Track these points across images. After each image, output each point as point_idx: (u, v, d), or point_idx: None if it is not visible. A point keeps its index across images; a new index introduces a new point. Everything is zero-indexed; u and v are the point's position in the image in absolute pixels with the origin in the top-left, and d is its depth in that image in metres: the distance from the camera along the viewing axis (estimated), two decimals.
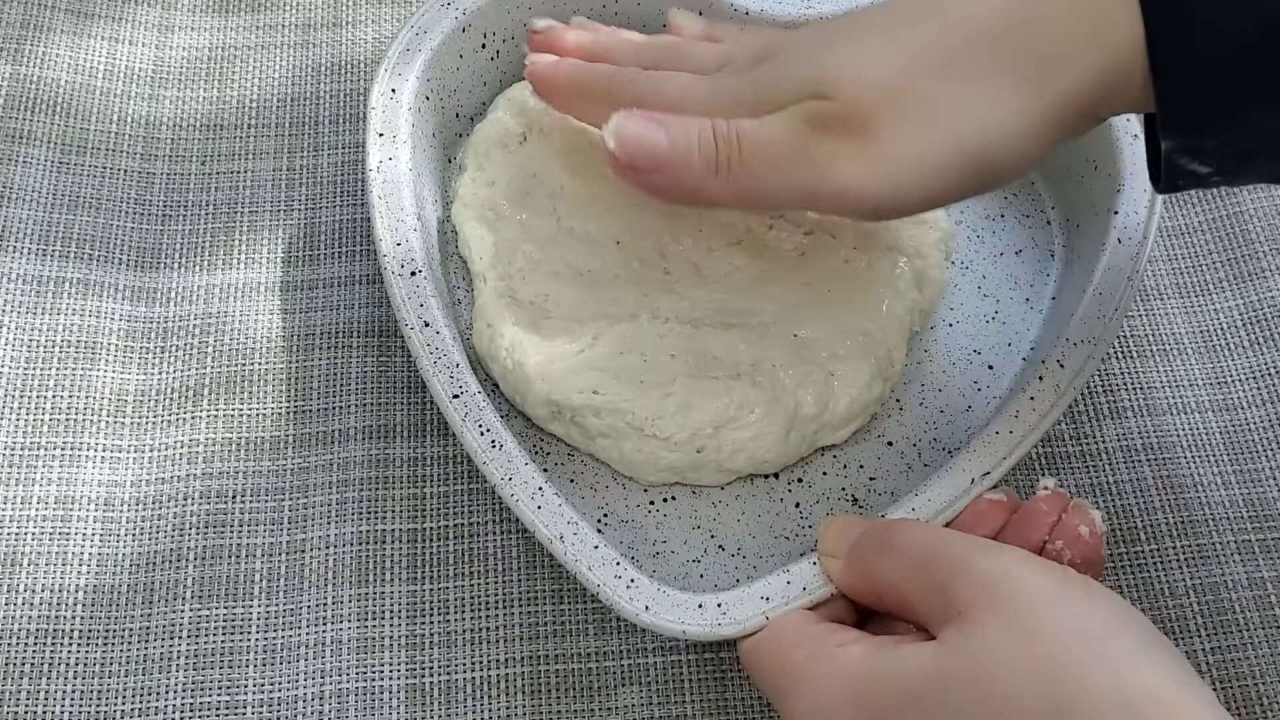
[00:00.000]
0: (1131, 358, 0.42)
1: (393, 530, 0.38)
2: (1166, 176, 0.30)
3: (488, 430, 0.34)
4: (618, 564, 0.33)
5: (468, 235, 0.41)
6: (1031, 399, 0.35)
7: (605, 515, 0.38)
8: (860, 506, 0.38)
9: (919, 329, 0.41)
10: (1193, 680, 0.26)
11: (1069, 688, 0.25)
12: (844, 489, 0.38)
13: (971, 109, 0.30)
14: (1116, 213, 0.39)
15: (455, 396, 0.35)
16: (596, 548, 0.33)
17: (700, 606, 0.32)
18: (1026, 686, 0.25)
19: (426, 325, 0.36)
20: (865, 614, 0.32)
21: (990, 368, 0.41)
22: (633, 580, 0.33)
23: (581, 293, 0.39)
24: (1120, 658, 0.26)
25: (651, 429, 0.37)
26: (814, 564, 0.33)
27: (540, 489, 0.34)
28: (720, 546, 0.37)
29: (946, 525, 0.33)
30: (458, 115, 0.44)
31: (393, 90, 0.40)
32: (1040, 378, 0.36)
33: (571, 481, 0.38)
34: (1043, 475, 0.39)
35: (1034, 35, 0.29)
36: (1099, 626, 0.26)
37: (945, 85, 0.30)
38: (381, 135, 0.40)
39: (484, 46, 0.43)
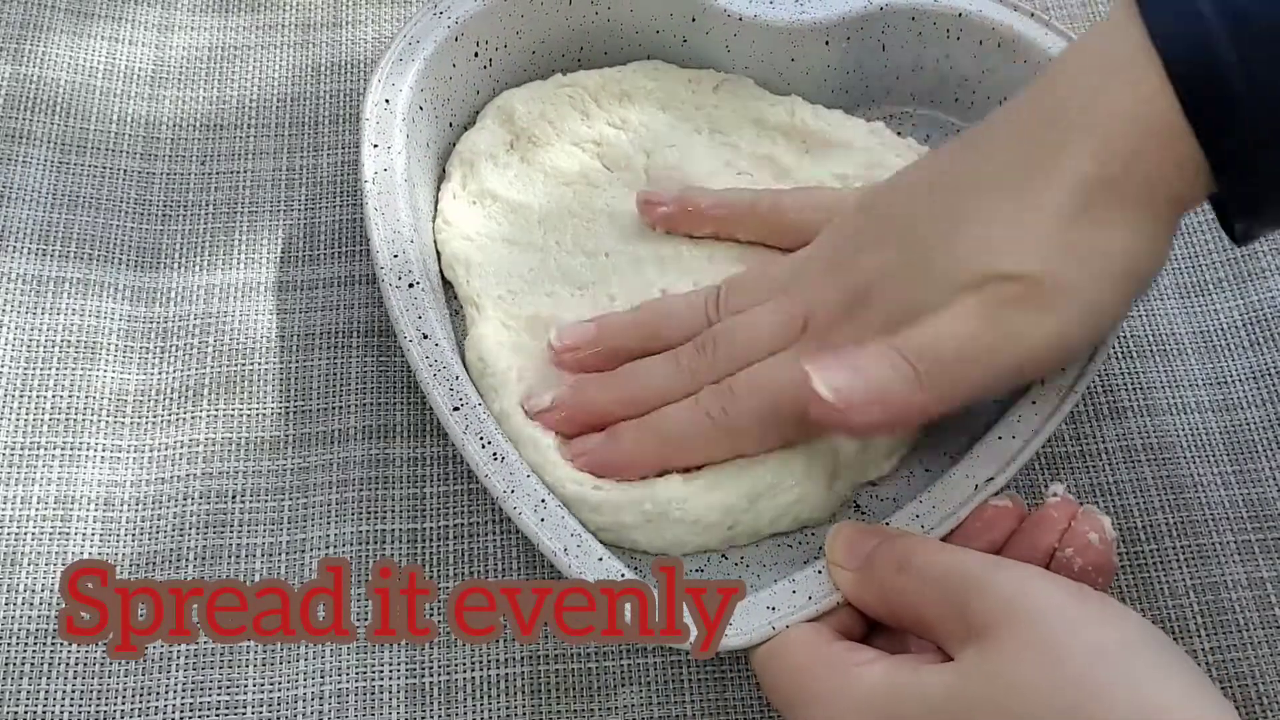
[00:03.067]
0: (1131, 358, 0.42)
1: (393, 530, 0.38)
2: (1243, 240, 0.33)
3: (489, 443, 0.34)
4: (623, 576, 0.32)
5: (453, 255, 0.40)
6: (1034, 403, 0.35)
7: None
8: (863, 513, 0.38)
9: None
10: (1212, 696, 0.26)
11: (1090, 708, 0.25)
12: (845, 495, 0.38)
13: (1115, 244, 0.32)
14: None
15: (456, 409, 0.35)
16: (601, 559, 0.33)
17: None
18: (1048, 708, 0.25)
19: (425, 337, 0.36)
20: (872, 623, 0.32)
21: None
22: None
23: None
24: (1140, 676, 0.26)
25: (679, 513, 0.35)
26: (819, 572, 0.32)
27: (543, 501, 0.33)
28: (723, 556, 0.37)
29: (952, 532, 0.33)
30: (451, 125, 0.44)
31: (386, 100, 0.40)
32: (1042, 382, 0.35)
33: None
34: (1049, 480, 0.39)
35: (1135, 169, 0.31)
36: (1118, 645, 0.26)
37: (1086, 231, 0.31)
38: (376, 146, 0.39)
39: (476, 55, 0.43)
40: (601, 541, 0.36)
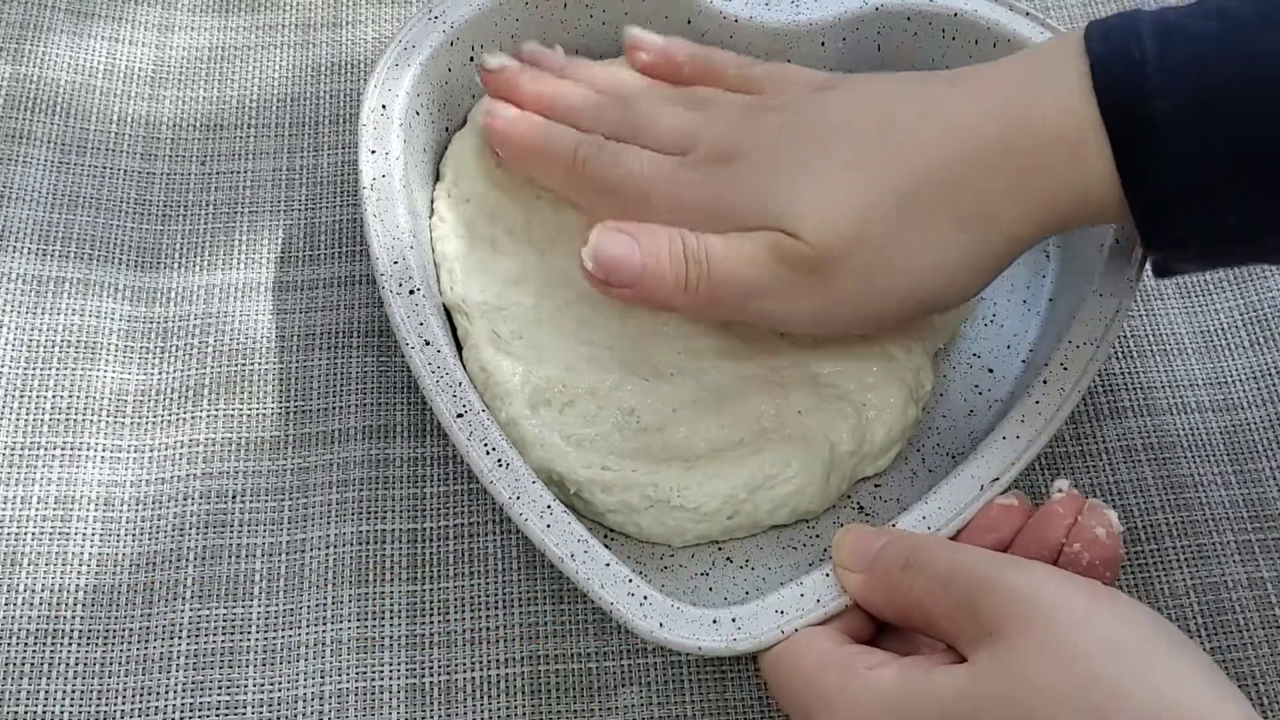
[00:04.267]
0: (1131, 358, 0.42)
1: (393, 530, 0.38)
2: (1157, 273, 0.34)
3: (493, 449, 0.34)
4: (630, 580, 0.32)
5: (443, 255, 0.40)
6: (1036, 403, 0.35)
7: (613, 529, 0.37)
8: (867, 514, 0.38)
9: (943, 345, 0.40)
10: (1226, 688, 0.26)
11: (1106, 705, 0.25)
12: (850, 496, 0.38)
13: (924, 255, 0.33)
14: None
15: (459, 416, 0.34)
16: (608, 565, 0.32)
17: (715, 622, 0.32)
18: (1063, 706, 0.25)
19: (427, 344, 0.36)
20: (881, 625, 0.32)
21: (990, 371, 0.41)
22: (646, 597, 0.32)
23: (574, 340, 0.38)
24: (1153, 671, 0.26)
25: (679, 500, 0.36)
26: (826, 575, 0.32)
27: (549, 506, 0.33)
28: (728, 559, 0.37)
29: (958, 532, 0.33)
30: (448, 129, 0.43)
31: (383, 106, 0.40)
32: (1044, 381, 0.35)
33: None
34: (1054, 477, 0.39)
35: (995, 175, 0.32)
36: (1130, 640, 0.26)
37: (901, 232, 0.32)
38: (374, 152, 0.39)
39: (472, 60, 0.43)
40: (609, 527, 0.37)
